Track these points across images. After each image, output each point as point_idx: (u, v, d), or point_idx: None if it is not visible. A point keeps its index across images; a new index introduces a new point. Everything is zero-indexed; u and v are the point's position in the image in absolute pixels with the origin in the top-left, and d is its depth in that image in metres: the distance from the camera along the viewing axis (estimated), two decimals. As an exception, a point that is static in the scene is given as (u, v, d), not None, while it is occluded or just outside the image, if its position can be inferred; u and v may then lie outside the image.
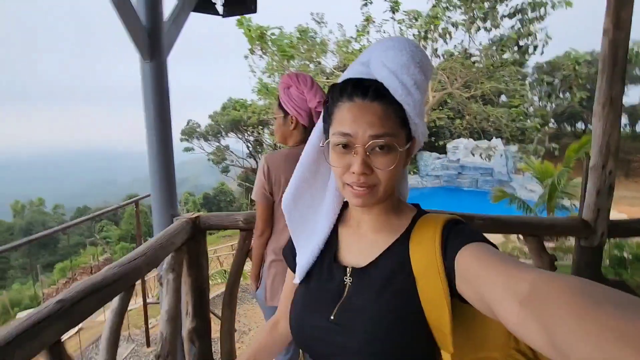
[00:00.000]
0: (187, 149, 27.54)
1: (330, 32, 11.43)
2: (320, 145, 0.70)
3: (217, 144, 28.06)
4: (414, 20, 7.21)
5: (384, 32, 8.46)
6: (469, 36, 7.62)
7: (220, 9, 2.15)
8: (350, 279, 0.68)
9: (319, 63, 12.61)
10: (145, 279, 8.48)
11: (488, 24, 7.04)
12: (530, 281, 0.40)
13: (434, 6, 6.92)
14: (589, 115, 24.52)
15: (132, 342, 7.47)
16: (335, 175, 0.66)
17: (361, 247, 0.70)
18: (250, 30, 8.74)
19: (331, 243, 0.74)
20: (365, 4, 7.30)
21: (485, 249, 0.52)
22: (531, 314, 0.38)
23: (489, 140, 18.12)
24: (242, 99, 27.84)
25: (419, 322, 0.60)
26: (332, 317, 0.66)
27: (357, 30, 10.45)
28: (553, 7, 6.03)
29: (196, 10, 1.99)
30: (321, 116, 0.71)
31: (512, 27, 6.71)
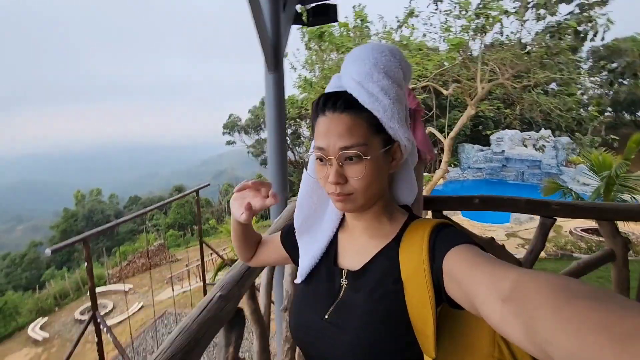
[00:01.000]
0: (229, 142, 28.71)
1: (370, 22, 11.46)
2: (304, 159, 0.84)
3: (257, 137, 28.97)
4: (463, 12, 7.13)
5: (431, 25, 8.44)
6: (521, 24, 7.40)
7: (307, 20, 2.44)
8: (345, 281, 0.70)
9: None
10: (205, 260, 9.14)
11: (542, 11, 6.80)
12: (512, 279, 0.42)
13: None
14: (651, 102, 22.48)
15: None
16: (321, 185, 0.69)
17: (356, 251, 0.72)
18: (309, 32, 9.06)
19: (331, 247, 0.77)
20: (411, -2, 7.32)
21: (471, 251, 0.54)
22: (512, 311, 0.39)
23: (537, 131, 17.25)
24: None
25: (405, 326, 0.61)
26: (326, 317, 0.69)
27: (398, 21, 10.42)
28: None
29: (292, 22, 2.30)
30: None
31: (571, 12, 6.44)
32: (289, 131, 28.47)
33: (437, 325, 0.59)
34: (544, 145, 12.38)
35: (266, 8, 1.53)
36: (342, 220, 0.78)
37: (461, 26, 7.52)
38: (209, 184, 8.86)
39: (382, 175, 0.66)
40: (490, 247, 1.75)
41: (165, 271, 17.51)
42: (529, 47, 7.20)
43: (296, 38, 16.27)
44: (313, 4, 2.35)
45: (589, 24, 6.10)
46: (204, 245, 7.51)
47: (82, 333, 4.82)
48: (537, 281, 0.38)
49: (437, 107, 11.37)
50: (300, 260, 0.80)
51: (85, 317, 12.55)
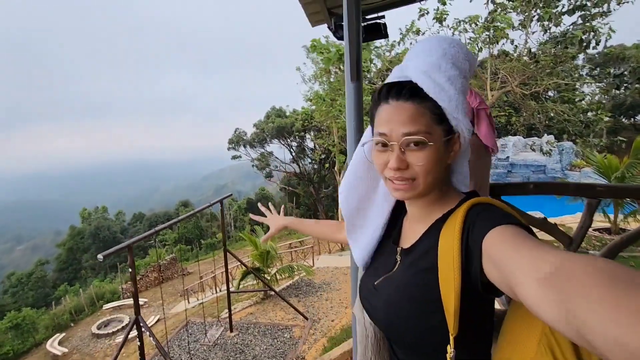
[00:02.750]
0: (235, 157, 29.08)
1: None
2: (361, 145, 0.77)
3: (262, 150, 29.38)
4: (472, 25, 7.57)
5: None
6: (527, 35, 7.83)
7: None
8: (399, 258, 0.76)
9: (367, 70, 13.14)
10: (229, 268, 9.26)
11: (546, 23, 7.24)
12: (554, 262, 0.41)
13: (492, 11, 7.26)
14: (652, 106, 22.95)
15: (221, 326, 8.37)
16: (378, 171, 0.71)
17: (411, 233, 0.77)
18: (326, 52, 9.52)
19: (394, 229, 0.83)
20: (422, 14, 7.77)
21: (513, 232, 0.52)
22: (550, 290, 0.39)
23: (540, 137, 17.59)
24: (285, 107, 29.22)
25: (435, 302, 0.62)
26: (375, 284, 0.77)
27: (400, 33, 10.85)
28: (619, 3, 6.19)
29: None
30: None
31: (574, 23, 6.87)
32: (294, 144, 28.90)
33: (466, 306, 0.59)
34: (550, 150, 12.80)
35: (346, 24, 1.84)
36: (403, 204, 0.81)
37: (469, 38, 8.02)
38: (231, 195, 9.15)
39: (442, 165, 0.67)
40: (544, 226, 2.02)
41: (178, 284, 17.61)
42: (537, 56, 7.61)
43: (301, 54, 16.90)
44: (369, 22, 2.70)
45: (592, 33, 6.51)
46: (226, 254, 7.76)
47: (127, 336, 5.04)
48: (581, 263, 0.38)
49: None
50: (353, 245, 0.88)
51: (103, 331, 12.63)
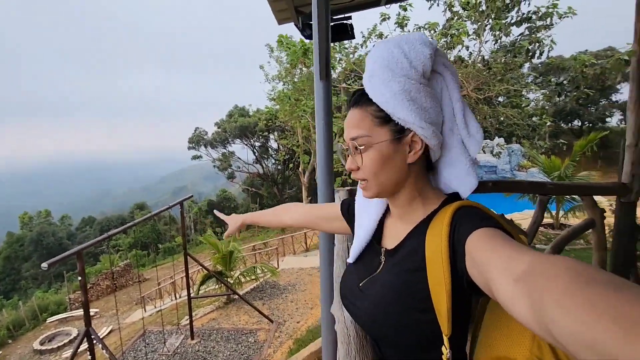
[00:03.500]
0: (195, 157, 28.07)
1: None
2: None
3: (224, 150, 28.62)
4: (431, 31, 7.93)
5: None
6: (480, 44, 8.34)
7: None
8: (384, 258, 0.76)
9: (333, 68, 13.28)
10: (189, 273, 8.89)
11: (497, 33, 7.78)
12: (527, 262, 0.42)
13: (449, 19, 7.67)
14: (585, 112, 25.47)
15: (181, 334, 8.00)
16: None
17: (393, 233, 0.78)
18: (292, 47, 9.42)
19: (378, 229, 0.83)
20: (384, 19, 8.01)
21: (492, 234, 0.54)
22: (523, 290, 0.40)
23: (492, 139, 18.81)
24: (248, 106, 28.66)
25: (424, 303, 0.63)
26: (360, 285, 0.77)
27: (363, 37, 11.10)
28: (560, 17, 6.82)
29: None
30: None
31: (521, 33, 7.45)
32: (257, 144, 28.48)
33: (465, 308, 0.62)
34: (500, 152, 13.77)
35: (315, 23, 1.83)
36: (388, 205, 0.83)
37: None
38: (191, 196, 8.77)
39: (394, 164, 0.69)
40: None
41: (133, 292, 16.61)
42: (489, 63, 8.15)
43: (265, 53, 16.70)
44: (336, 22, 2.71)
45: (537, 44, 7.10)
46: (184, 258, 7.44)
47: (76, 350, 4.65)
48: (552, 264, 0.39)
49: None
50: (353, 244, 0.88)
51: (47, 346, 11.58)
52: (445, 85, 0.71)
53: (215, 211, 1.57)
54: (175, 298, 12.52)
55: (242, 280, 10.42)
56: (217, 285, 10.08)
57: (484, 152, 16.01)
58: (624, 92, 24.11)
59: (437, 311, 0.61)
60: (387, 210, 0.83)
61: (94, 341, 4.62)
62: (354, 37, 2.99)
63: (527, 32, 7.36)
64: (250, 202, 33.36)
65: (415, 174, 0.72)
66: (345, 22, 2.86)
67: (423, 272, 0.63)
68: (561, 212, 8.57)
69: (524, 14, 7.47)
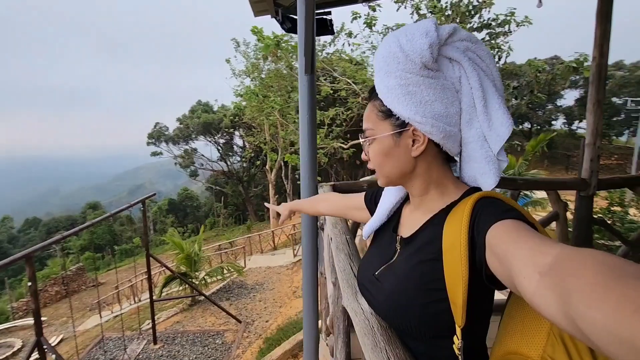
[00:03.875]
0: (155, 153, 26.68)
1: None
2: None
3: (186, 147, 27.54)
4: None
5: (368, 42, 9.42)
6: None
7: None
8: (399, 246, 0.77)
9: (291, 68, 13.20)
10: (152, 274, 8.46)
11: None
12: (553, 254, 0.41)
13: (416, 21, 7.88)
14: (534, 115, 27.55)
15: (143, 339, 7.60)
16: None
17: (410, 221, 0.78)
18: (265, 39, 9.21)
19: (395, 217, 0.85)
20: (355, 18, 8.11)
21: (516, 226, 0.53)
22: (550, 283, 0.39)
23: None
24: (214, 101, 27.79)
25: (439, 293, 0.62)
26: (376, 274, 0.78)
27: (330, 36, 11.21)
28: (517, 25, 7.31)
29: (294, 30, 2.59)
30: None
31: (482, 39, 7.87)
32: (222, 141, 27.70)
33: (481, 300, 0.62)
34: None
35: (302, 17, 1.81)
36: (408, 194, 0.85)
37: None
38: (154, 194, 8.34)
39: (397, 157, 0.70)
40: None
41: (87, 297, 15.53)
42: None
43: (230, 47, 16.24)
44: (317, 17, 2.69)
45: (497, 50, 7.54)
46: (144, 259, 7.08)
47: (27, 362, 4.26)
48: (582, 256, 0.38)
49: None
50: (368, 222, 0.92)
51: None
52: (464, 73, 0.67)
53: (265, 203, 1.67)
54: (135, 302, 11.87)
55: (208, 280, 10.11)
56: (181, 287, 9.70)
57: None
58: (567, 98, 26.41)
59: (452, 302, 0.61)
60: (406, 199, 0.84)
61: (46, 351, 4.26)
62: (333, 33, 2.99)
63: (487, 38, 7.80)
64: (214, 200, 32.40)
65: (427, 166, 0.71)
66: (325, 17, 2.85)
67: (439, 262, 0.62)
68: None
69: (484, 20, 7.89)
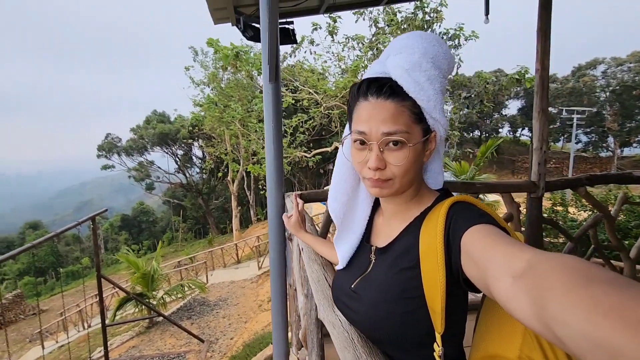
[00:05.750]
0: (106, 167, 24.93)
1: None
2: (340, 143, 0.76)
3: (141, 159, 26.10)
4: (359, 43, 8.41)
5: (329, 52, 9.60)
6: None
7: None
8: (374, 257, 0.75)
9: (251, 78, 13.17)
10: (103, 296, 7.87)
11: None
12: (526, 259, 0.42)
13: (375, 33, 8.25)
14: (483, 124, 29.58)
15: (95, 368, 6.97)
16: (356, 169, 0.71)
17: (385, 231, 0.76)
18: (222, 50, 9.02)
19: (367, 227, 0.82)
20: (315, 29, 8.26)
21: (490, 231, 0.53)
22: (523, 287, 0.39)
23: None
24: (173, 111, 26.68)
25: (419, 302, 0.62)
26: (352, 286, 0.76)
27: (292, 47, 11.31)
28: (466, 39, 7.86)
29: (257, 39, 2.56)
30: None
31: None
32: (180, 152, 26.64)
33: (463, 307, 0.63)
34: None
35: (265, 22, 1.79)
36: (377, 201, 0.83)
37: (357, 56, 8.87)
38: (106, 210, 7.77)
39: (419, 164, 0.67)
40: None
41: (26, 327, 13.98)
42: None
43: (187, 56, 15.79)
44: (280, 26, 2.69)
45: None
46: (99, 280, 6.53)
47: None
48: (554, 261, 0.38)
49: (342, 124, 12.71)
50: (339, 248, 0.85)
51: None
52: None
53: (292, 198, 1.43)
54: (85, 328, 10.87)
55: (167, 299, 9.54)
56: (137, 309, 9.04)
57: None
58: (510, 107, 28.72)
59: (431, 309, 0.61)
60: (374, 208, 0.82)
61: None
62: (296, 42, 2.99)
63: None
64: (172, 214, 30.90)
65: (420, 173, 0.72)
66: (288, 26, 2.85)
67: (417, 270, 0.62)
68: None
69: (437, 34, 8.40)
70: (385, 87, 0.63)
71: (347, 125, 0.75)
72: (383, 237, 0.76)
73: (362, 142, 0.65)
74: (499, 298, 0.43)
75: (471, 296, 0.69)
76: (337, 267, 0.84)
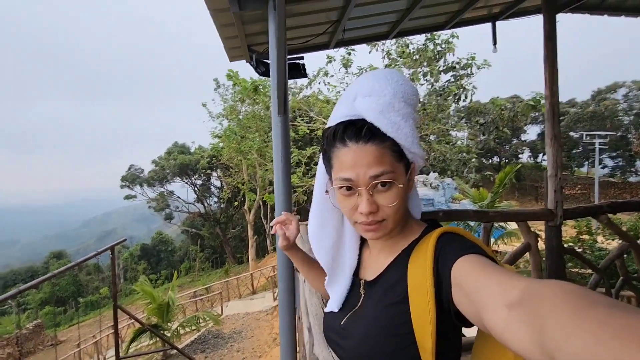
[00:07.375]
0: (128, 197, 25.76)
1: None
2: (325, 191, 0.72)
3: (162, 189, 26.85)
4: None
5: (343, 83, 9.90)
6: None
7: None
8: (363, 291, 0.74)
9: (268, 109, 13.56)
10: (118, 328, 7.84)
11: (429, 78, 8.79)
12: (521, 287, 0.40)
13: (388, 64, 8.51)
14: (501, 150, 29.11)
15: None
16: (345, 215, 0.70)
17: (373, 264, 0.75)
18: (241, 83, 9.49)
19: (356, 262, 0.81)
20: (330, 61, 8.61)
21: (480, 261, 0.52)
22: (520, 315, 0.38)
23: (427, 174, 20.38)
24: (191, 143, 27.73)
25: (408, 337, 0.60)
26: (342, 323, 0.74)
27: (309, 79, 11.68)
28: (478, 68, 8.00)
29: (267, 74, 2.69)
30: (321, 157, 0.74)
31: (448, 80, 8.50)
32: (199, 182, 27.30)
33: (448, 339, 0.60)
34: (437, 185, 15.00)
35: (274, 59, 1.88)
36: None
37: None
38: (125, 239, 7.93)
39: (405, 199, 0.67)
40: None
41: (43, 359, 14.01)
42: (424, 105, 9.08)
43: (206, 90, 16.55)
44: (290, 62, 2.81)
45: (462, 89, 8.12)
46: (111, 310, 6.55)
47: None
48: (551, 288, 0.37)
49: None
50: (331, 291, 0.82)
51: None
52: None
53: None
54: (99, 360, 10.80)
55: (182, 331, 9.43)
56: (151, 340, 8.95)
57: (425, 185, 17.34)
58: (529, 133, 28.26)
59: (421, 346, 0.59)
60: (363, 241, 0.81)
61: None
62: (306, 76, 3.11)
63: (452, 80, 8.41)
64: (189, 244, 31.17)
65: (407, 206, 0.72)
66: (298, 61, 2.98)
67: (406, 304, 0.61)
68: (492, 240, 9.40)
69: (449, 63, 8.55)
70: (364, 130, 0.62)
71: (320, 170, 0.75)
72: (371, 270, 0.75)
73: (349, 188, 0.64)
74: (494, 329, 0.42)
75: (467, 336, 0.66)
76: (332, 309, 0.80)
